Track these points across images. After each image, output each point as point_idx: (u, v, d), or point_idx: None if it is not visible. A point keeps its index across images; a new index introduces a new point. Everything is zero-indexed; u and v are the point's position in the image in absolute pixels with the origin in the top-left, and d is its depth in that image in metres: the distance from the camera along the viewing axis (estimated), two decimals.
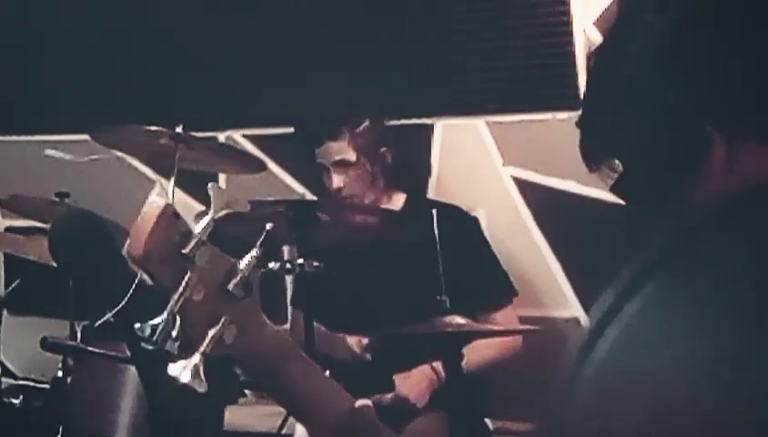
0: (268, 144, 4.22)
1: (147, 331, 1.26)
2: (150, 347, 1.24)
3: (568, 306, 3.81)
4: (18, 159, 4.57)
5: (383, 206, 3.58)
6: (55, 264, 3.05)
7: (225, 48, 4.24)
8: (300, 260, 3.03)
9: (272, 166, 4.11)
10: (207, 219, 1.31)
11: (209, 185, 1.36)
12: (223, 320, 1.29)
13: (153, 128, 3.26)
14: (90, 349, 2.93)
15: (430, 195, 3.96)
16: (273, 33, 4.18)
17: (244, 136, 4.30)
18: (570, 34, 3.81)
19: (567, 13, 3.81)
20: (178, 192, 3.27)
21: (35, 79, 4.49)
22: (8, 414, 3.26)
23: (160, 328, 1.25)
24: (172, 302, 1.26)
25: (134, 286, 2.18)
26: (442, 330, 2.81)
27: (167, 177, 3.30)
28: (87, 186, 4.14)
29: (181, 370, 1.28)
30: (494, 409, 3.52)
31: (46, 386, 3.26)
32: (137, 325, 1.26)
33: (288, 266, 3.06)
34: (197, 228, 1.30)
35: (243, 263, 1.33)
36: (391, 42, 4.07)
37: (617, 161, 0.90)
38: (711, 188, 0.81)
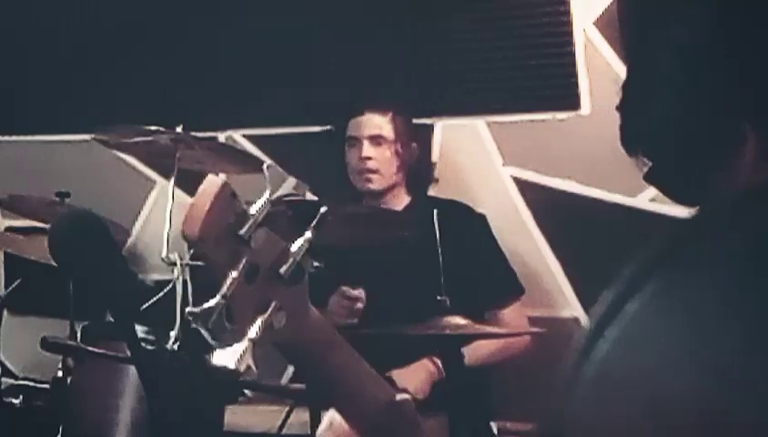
0: (268, 144, 4.22)
1: (201, 316, 1.19)
2: (204, 332, 1.20)
3: (568, 306, 3.81)
4: (18, 159, 4.57)
5: (392, 200, 3.58)
6: (55, 264, 3.05)
7: (225, 48, 4.24)
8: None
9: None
10: (263, 200, 1.26)
11: (265, 165, 1.32)
12: (273, 305, 1.25)
13: (153, 128, 3.26)
14: (90, 349, 2.93)
15: (430, 195, 3.96)
16: (273, 33, 4.18)
17: (244, 136, 4.30)
18: (570, 34, 3.81)
19: (567, 13, 3.81)
20: (178, 192, 3.27)
21: (35, 79, 4.49)
22: (8, 414, 3.26)
23: (215, 311, 1.20)
24: (226, 285, 1.21)
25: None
26: (442, 332, 2.81)
27: (167, 178, 3.30)
28: (87, 186, 4.14)
29: (230, 358, 1.21)
30: (495, 409, 3.53)
31: (46, 386, 3.26)
32: (189, 309, 1.22)
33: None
34: (253, 208, 1.25)
35: (295, 247, 1.29)
36: (391, 42, 4.07)
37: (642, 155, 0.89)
38: (741, 184, 0.79)
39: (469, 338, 3.04)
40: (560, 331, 3.56)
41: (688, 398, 0.54)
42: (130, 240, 4.31)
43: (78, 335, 3.21)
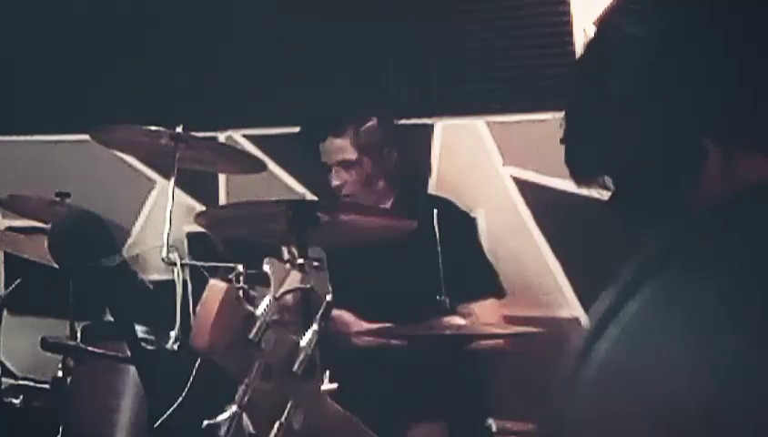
0: (268, 144, 4.22)
1: (219, 429, 1.19)
2: None
3: (568, 306, 3.81)
4: (18, 159, 4.57)
5: (382, 206, 3.58)
6: (55, 264, 3.05)
7: (225, 48, 4.24)
8: (300, 260, 3.03)
9: (272, 166, 4.11)
10: (268, 300, 1.25)
11: (266, 260, 1.30)
12: (290, 404, 1.23)
13: (153, 128, 3.26)
14: (90, 349, 2.92)
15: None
16: (273, 33, 4.18)
17: (244, 136, 4.30)
18: (570, 34, 3.81)
19: (567, 13, 3.81)
20: (178, 192, 3.27)
21: (35, 79, 4.49)
22: (8, 414, 3.26)
23: (233, 421, 1.19)
24: (240, 391, 1.20)
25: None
26: (442, 332, 2.81)
27: (167, 178, 3.30)
28: (87, 186, 4.14)
29: None
30: (495, 409, 3.52)
31: (46, 386, 3.26)
32: (207, 422, 1.19)
33: (288, 266, 3.05)
34: (260, 309, 1.24)
35: (305, 341, 1.27)
36: (391, 42, 4.07)
37: (607, 178, 0.88)
38: (707, 198, 0.79)
39: (469, 338, 3.04)
40: (560, 331, 3.55)
41: (687, 397, 0.54)
42: (130, 240, 4.31)
43: (78, 335, 3.20)
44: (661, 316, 0.57)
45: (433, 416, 3.22)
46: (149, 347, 2.82)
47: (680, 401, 0.54)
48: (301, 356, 1.26)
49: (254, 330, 1.21)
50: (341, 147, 3.50)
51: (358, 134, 3.50)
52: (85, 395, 3.00)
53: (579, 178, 0.91)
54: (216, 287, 1.22)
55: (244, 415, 1.19)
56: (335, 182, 3.50)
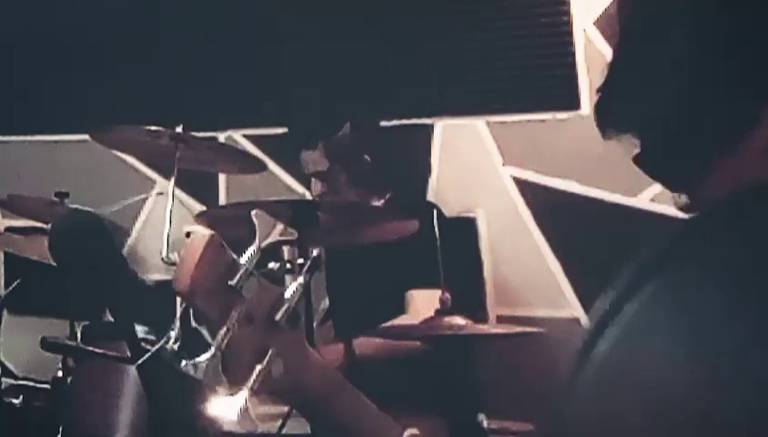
0: (268, 144, 4.22)
1: (193, 369, 1.20)
2: (200, 382, 1.18)
3: (568, 306, 3.81)
4: (18, 159, 4.57)
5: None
6: (55, 264, 3.05)
7: (225, 48, 4.24)
8: (300, 260, 3.03)
9: (272, 166, 4.11)
10: (252, 249, 1.26)
11: (252, 212, 1.31)
12: (270, 353, 1.24)
13: (153, 128, 3.25)
14: (90, 349, 2.92)
15: (430, 195, 3.96)
16: (273, 33, 4.18)
17: (244, 136, 4.30)
18: (571, 34, 3.81)
19: (567, 13, 3.81)
20: (178, 192, 3.27)
21: (35, 79, 4.49)
22: (8, 414, 3.26)
23: (208, 365, 1.20)
24: (219, 337, 1.20)
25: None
26: (442, 332, 2.81)
27: (167, 178, 3.29)
28: (87, 186, 4.14)
29: (227, 409, 1.21)
30: (495, 409, 3.52)
31: (46, 386, 3.26)
32: (183, 363, 1.21)
33: (288, 266, 3.06)
34: (244, 257, 1.25)
35: (289, 292, 1.28)
36: (391, 42, 4.07)
37: (634, 135, 0.80)
38: (747, 172, 0.70)
39: (469, 338, 3.03)
40: (560, 331, 3.56)
41: (687, 397, 0.54)
42: (130, 240, 4.31)
43: (78, 335, 3.20)
44: (661, 316, 0.57)
45: (433, 416, 3.22)
46: (149, 347, 2.82)
47: (680, 402, 0.54)
48: (284, 306, 1.26)
49: (236, 278, 1.22)
50: (313, 159, 3.54)
51: (328, 144, 3.52)
52: (85, 395, 2.99)
53: (605, 131, 0.83)
54: (200, 233, 1.24)
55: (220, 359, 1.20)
56: (314, 192, 3.56)
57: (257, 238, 1.27)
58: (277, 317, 1.25)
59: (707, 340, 0.55)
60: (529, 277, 3.73)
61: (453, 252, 3.31)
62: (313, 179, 3.59)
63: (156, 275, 3.95)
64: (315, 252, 1.37)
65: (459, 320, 2.81)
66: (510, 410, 3.52)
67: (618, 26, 0.83)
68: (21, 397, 3.29)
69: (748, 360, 0.53)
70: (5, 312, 3.76)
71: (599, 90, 0.84)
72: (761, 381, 0.52)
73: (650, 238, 0.59)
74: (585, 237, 3.74)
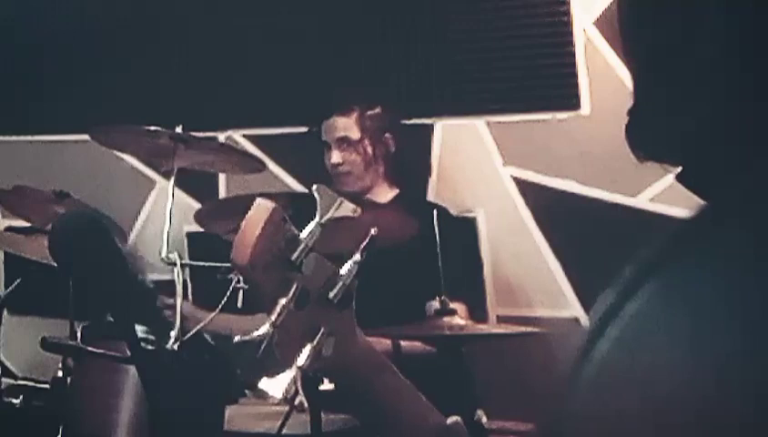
0: (268, 144, 4.23)
1: (251, 344, 1.16)
2: (252, 360, 1.16)
3: (568, 306, 3.81)
4: (18, 159, 4.57)
5: (375, 192, 3.60)
6: (55, 264, 3.05)
7: (225, 48, 4.24)
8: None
9: (272, 166, 4.11)
10: (313, 224, 1.23)
11: (314, 187, 1.29)
12: (321, 331, 1.22)
13: (153, 128, 3.26)
14: (90, 349, 2.92)
15: (430, 195, 3.96)
16: (273, 33, 4.18)
17: (244, 136, 4.30)
18: (571, 34, 3.81)
19: (567, 13, 3.81)
20: (178, 192, 3.27)
21: (35, 79, 4.49)
22: (8, 414, 3.26)
23: (265, 339, 1.17)
24: (276, 313, 1.18)
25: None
26: (442, 332, 2.81)
27: (167, 177, 3.29)
28: (87, 186, 4.14)
29: (277, 387, 1.19)
30: (494, 409, 3.52)
31: (46, 386, 3.26)
32: (238, 338, 1.17)
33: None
34: (304, 233, 1.22)
35: (344, 270, 1.27)
36: (391, 42, 4.07)
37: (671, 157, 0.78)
38: None
39: (469, 338, 3.03)
40: (560, 331, 3.56)
41: (688, 398, 0.54)
42: (130, 240, 4.31)
43: (78, 335, 3.20)
44: (661, 316, 0.57)
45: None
46: (149, 347, 2.82)
47: (680, 402, 0.54)
48: (339, 284, 1.24)
49: (296, 253, 1.20)
50: (345, 126, 3.56)
51: (364, 116, 3.56)
52: (85, 395, 2.99)
53: (641, 155, 0.80)
54: (262, 205, 1.20)
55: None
56: (334, 159, 3.56)
57: (318, 212, 1.25)
58: (331, 295, 1.24)
59: (707, 340, 0.55)
60: (529, 277, 3.73)
61: (453, 252, 3.32)
62: (335, 147, 3.57)
63: (156, 275, 3.95)
64: (372, 231, 1.34)
65: (459, 320, 2.81)
66: (510, 410, 3.52)
67: (636, 45, 0.81)
68: (21, 397, 3.29)
69: (748, 359, 0.53)
70: (5, 312, 3.76)
71: (629, 112, 0.81)
72: (762, 381, 0.52)
73: (650, 238, 0.59)
74: (585, 237, 3.74)
